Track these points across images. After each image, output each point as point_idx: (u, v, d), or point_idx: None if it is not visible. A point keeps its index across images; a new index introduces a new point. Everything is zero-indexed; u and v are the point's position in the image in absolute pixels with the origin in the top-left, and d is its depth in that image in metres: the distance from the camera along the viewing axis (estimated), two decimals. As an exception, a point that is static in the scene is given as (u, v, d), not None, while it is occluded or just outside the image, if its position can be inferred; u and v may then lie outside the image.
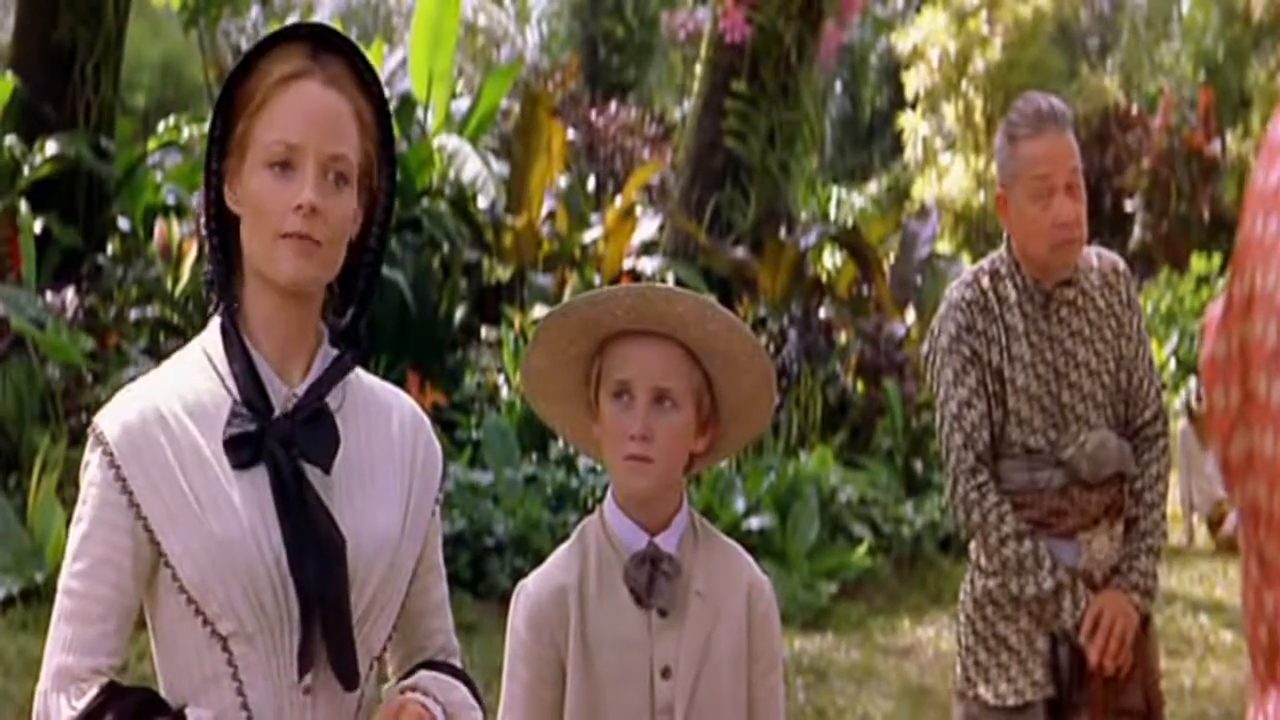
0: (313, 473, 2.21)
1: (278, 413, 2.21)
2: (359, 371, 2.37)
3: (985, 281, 3.80)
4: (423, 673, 2.35)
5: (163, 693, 2.22)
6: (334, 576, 2.18)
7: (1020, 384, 3.74)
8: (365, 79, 2.26)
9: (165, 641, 2.22)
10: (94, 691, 2.14)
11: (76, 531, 2.19)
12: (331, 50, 2.25)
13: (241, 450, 2.18)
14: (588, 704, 2.53)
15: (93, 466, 2.19)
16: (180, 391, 2.21)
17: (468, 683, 2.40)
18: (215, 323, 2.27)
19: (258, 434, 2.18)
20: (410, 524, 2.31)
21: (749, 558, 2.67)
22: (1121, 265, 3.90)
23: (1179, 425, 11.49)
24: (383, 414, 2.35)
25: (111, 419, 2.19)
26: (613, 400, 2.54)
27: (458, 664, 2.44)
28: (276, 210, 2.17)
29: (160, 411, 2.19)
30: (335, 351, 2.30)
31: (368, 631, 2.26)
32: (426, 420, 2.42)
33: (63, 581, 2.20)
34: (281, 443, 2.19)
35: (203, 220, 2.26)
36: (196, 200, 11.10)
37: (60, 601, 2.19)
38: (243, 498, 2.17)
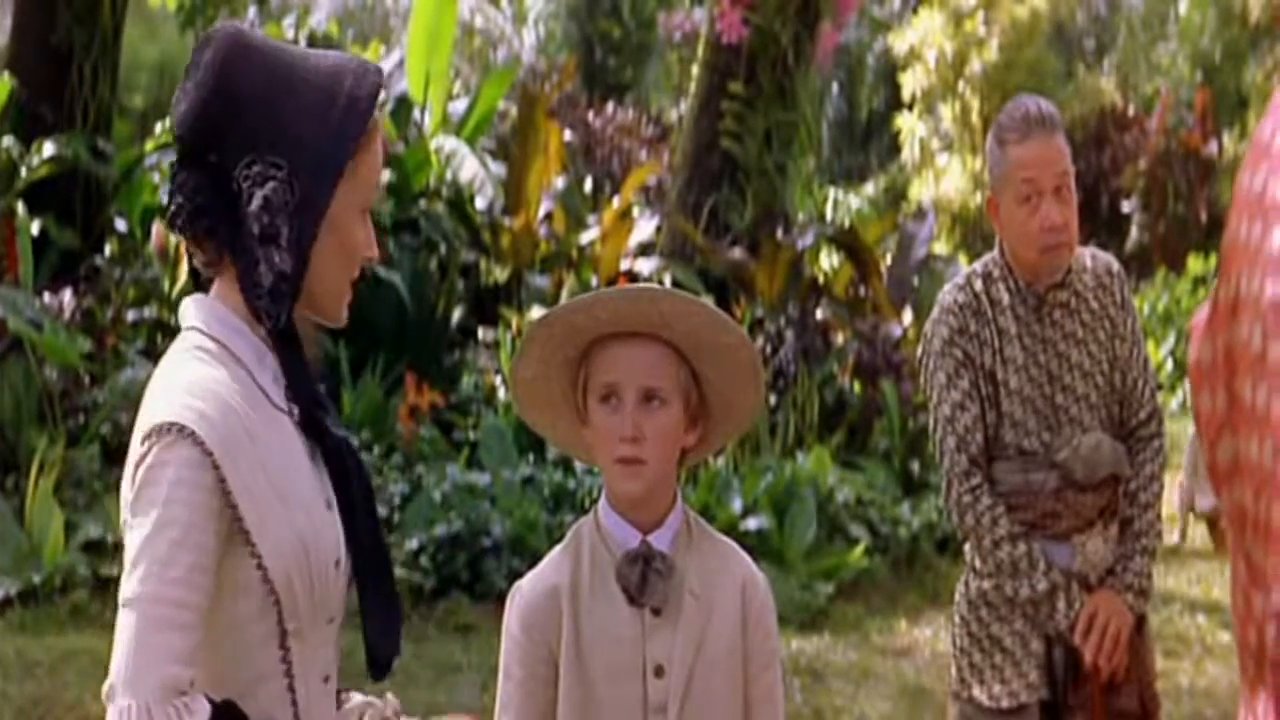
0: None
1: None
2: None
3: (978, 284, 3.81)
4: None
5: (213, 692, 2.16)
6: (386, 562, 2.26)
7: (1013, 386, 3.75)
8: None
9: (224, 640, 2.14)
10: (207, 709, 2.04)
11: (165, 535, 2.05)
12: None
13: (312, 433, 2.24)
14: (581, 703, 2.53)
15: (180, 464, 2.07)
16: (228, 382, 2.17)
17: None
18: (204, 313, 2.23)
19: (320, 420, 2.25)
20: None
21: (744, 555, 2.68)
22: (1115, 266, 3.91)
23: (1181, 426, 11.47)
24: None
25: (192, 415, 2.09)
26: (601, 403, 2.54)
27: None
28: (356, 254, 2.28)
29: (231, 404, 2.13)
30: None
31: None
32: None
33: (153, 588, 2.04)
34: (332, 439, 2.27)
35: (286, 205, 2.19)
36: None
37: (151, 608, 2.03)
38: (312, 490, 2.21)
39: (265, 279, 2.19)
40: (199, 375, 2.16)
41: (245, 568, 2.11)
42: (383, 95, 2.34)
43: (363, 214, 2.27)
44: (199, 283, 2.28)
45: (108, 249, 11.35)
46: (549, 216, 12.86)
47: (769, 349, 10.64)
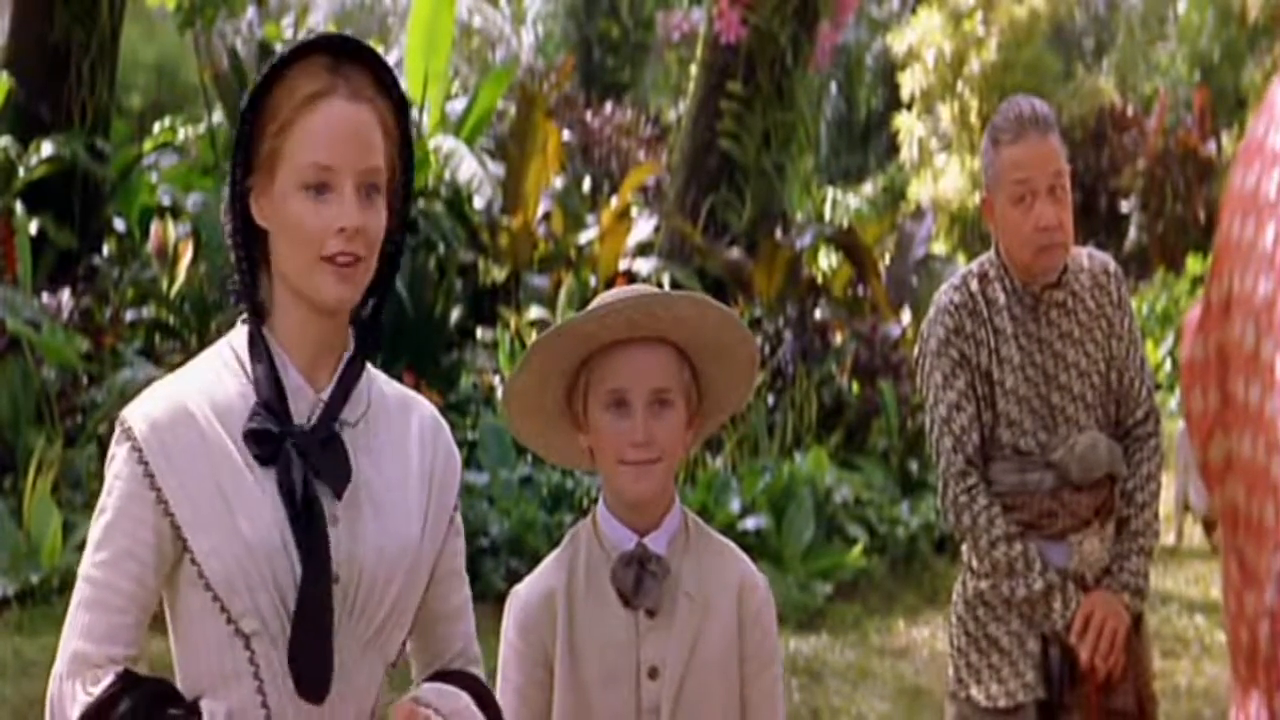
0: (322, 489, 2.22)
1: (298, 422, 2.22)
2: (380, 376, 2.38)
3: (974, 284, 3.81)
4: (426, 684, 2.37)
5: (180, 686, 2.22)
6: (328, 591, 2.19)
7: (1009, 386, 3.75)
8: (386, 84, 2.27)
9: (186, 637, 2.22)
10: (109, 679, 2.15)
11: (100, 521, 2.20)
12: (352, 59, 2.24)
13: (262, 445, 2.19)
14: (575, 705, 2.53)
15: (119, 460, 2.20)
16: (209, 390, 2.23)
17: (482, 692, 2.40)
18: (243, 325, 2.29)
19: (279, 435, 2.20)
20: (429, 532, 2.32)
21: (743, 556, 2.67)
22: (1112, 266, 3.91)
23: (1179, 424, 11.49)
24: (402, 419, 2.36)
25: (140, 414, 2.20)
26: (606, 409, 2.52)
27: (477, 671, 2.44)
28: (316, 234, 2.18)
29: (189, 409, 2.20)
30: (353, 352, 2.32)
31: (385, 639, 2.28)
32: (445, 425, 2.43)
33: (84, 569, 2.21)
34: (299, 453, 2.20)
35: (228, 230, 2.25)
36: (192, 201, 11.11)
37: (80, 589, 2.20)
38: (270, 499, 2.19)
39: (238, 284, 2.28)
40: (178, 379, 2.26)
41: (186, 563, 2.18)
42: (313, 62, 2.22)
43: (307, 190, 2.18)
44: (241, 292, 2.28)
45: (106, 249, 11.37)
46: (547, 216, 12.87)
47: (767, 349, 10.64)
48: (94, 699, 2.13)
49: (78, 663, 2.17)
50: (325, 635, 2.19)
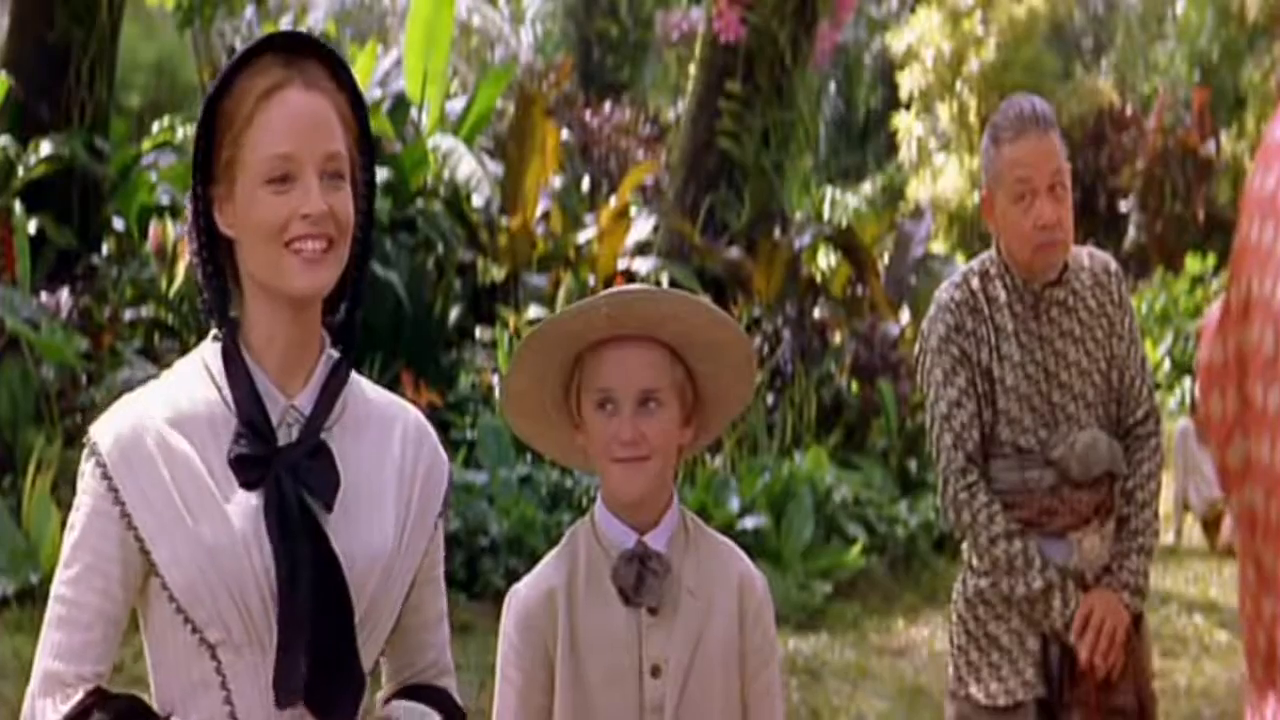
0: (313, 502, 2.21)
1: (279, 433, 2.21)
2: (363, 382, 2.36)
3: (975, 282, 3.81)
4: (396, 703, 2.37)
5: (154, 697, 2.22)
6: (331, 607, 2.18)
7: (1010, 384, 3.75)
8: (341, 79, 2.25)
9: (156, 647, 2.22)
10: (79, 696, 2.15)
11: (69, 538, 2.20)
12: (305, 54, 2.22)
13: (249, 471, 2.17)
14: (577, 704, 2.52)
15: (86, 475, 2.19)
16: (176, 401, 2.22)
17: (454, 711, 2.39)
18: (214, 334, 2.27)
19: (266, 458, 2.18)
20: (407, 540, 2.29)
21: (742, 554, 2.67)
22: (1113, 265, 3.91)
23: (1179, 423, 11.50)
24: (384, 425, 2.33)
25: (105, 429, 2.20)
26: (597, 408, 2.52)
27: (449, 683, 2.43)
28: (280, 223, 2.15)
29: (153, 422, 2.19)
30: (335, 355, 2.29)
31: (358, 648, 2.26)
32: (432, 433, 2.39)
33: (54, 587, 2.21)
34: (289, 471, 2.18)
35: (193, 247, 2.24)
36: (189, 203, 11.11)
37: (51, 607, 2.20)
38: (235, 509, 2.17)
39: (205, 294, 2.27)
40: (145, 391, 2.27)
41: (152, 576, 2.18)
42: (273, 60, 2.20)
43: (270, 184, 2.16)
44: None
45: (105, 248, 11.35)
46: (546, 216, 12.86)
47: (766, 348, 10.64)
48: (62, 717, 2.13)
49: (50, 682, 2.17)
50: (339, 650, 2.19)
